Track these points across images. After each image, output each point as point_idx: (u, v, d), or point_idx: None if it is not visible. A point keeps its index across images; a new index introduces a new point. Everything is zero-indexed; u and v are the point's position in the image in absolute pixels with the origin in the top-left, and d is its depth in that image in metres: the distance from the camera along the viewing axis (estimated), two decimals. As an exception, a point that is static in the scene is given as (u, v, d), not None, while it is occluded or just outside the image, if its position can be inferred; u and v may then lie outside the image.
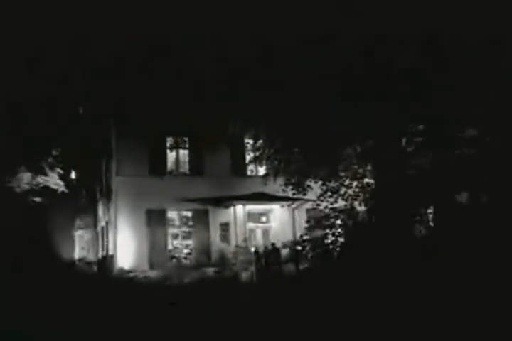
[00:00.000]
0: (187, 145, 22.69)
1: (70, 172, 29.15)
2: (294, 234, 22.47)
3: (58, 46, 20.20)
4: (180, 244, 21.61)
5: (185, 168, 22.57)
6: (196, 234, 21.71)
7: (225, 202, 21.92)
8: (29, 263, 21.62)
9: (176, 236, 21.70)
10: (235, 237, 21.62)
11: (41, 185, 25.53)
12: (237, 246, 21.28)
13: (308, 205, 23.06)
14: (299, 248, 21.66)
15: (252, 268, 20.58)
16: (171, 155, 22.43)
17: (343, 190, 14.08)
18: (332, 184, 13.91)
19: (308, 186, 14.88)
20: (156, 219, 21.11)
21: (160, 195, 21.19)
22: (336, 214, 13.23)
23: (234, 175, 22.81)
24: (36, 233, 27.12)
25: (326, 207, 13.96)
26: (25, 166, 24.90)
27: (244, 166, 23.28)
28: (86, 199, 28.81)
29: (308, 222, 15.06)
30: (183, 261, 21.47)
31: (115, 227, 20.66)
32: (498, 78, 8.77)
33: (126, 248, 20.34)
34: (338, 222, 13.56)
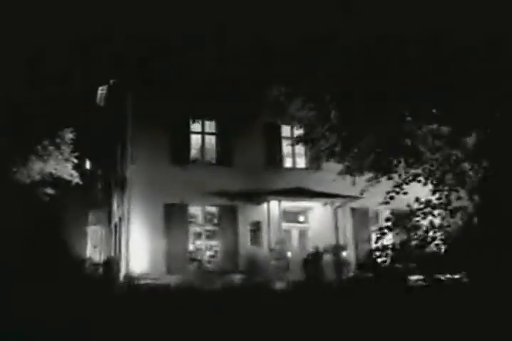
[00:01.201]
0: (214, 131, 19.52)
1: (84, 162, 26.46)
2: (337, 237, 19.11)
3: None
4: (204, 245, 18.46)
5: (211, 156, 19.41)
6: (222, 234, 18.52)
7: (257, 197, 18.70)
8: (31, 263, 18.87)
9: (198, 236, 18.54)
10: (268, 239, 18.37)
11: (54, 176, 22.79)
12: (270, 249, 18.02)
13: (355, 204, 19.75)
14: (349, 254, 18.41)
15: (288, 276, 17.27)
16: (196, 142, 19.29)
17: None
18: (417, 170, 10.66)
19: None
20: (175, 215, 18.00)
21: (181, 187, 18.08)
22: (428, 210, 9.82)
23: (268, 166, 19.59)
24: (45, 228, 24.48)
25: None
26: (33, 152, 22.21)
27: (281, 156, 20.04)
28: (101, 191, 25.94)
29: (388, 221, 11.30)
30: (206, 265, 18.32)
31: (128, 224, 17.62)
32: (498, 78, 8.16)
33: (139, 248, 17.28)
34: (436, 221, 10.15)
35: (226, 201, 18.65)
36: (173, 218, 17.93)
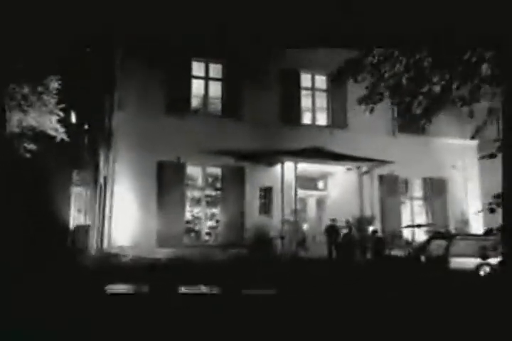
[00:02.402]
0: (220, 76, 16.15)
1: (70, 115, 23.15)
2: (362, 209, 16.04)
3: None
4: (203, 214, 15.38)
5: (216, 107, 16.13)
6: (226, 201, 15.42)
7: (268, 158, 15.53)
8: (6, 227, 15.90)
9: (197, 202, 15.46)
10: (280, 208, 15.28)
11: (36, 130, 19.54)
12: (283, 220, 14.95)
13: (384, 170, 16.61)
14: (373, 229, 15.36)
15: (304, 252, 14.29)
16: (198, 89, 15.93)
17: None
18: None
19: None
20: (170, 176, 14.86)
21: (178, 142, 14.90)
22: None
23: (283, 121, 16.35)
24: (24, 188, 21.40)
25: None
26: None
27: (299, 110, 16.77)
28: (87, 148, 22.73)
29: None
30: (205, 237, 15.30)
31: (112, 185, 14.49)
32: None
33: (125, 214, 14.20)
34: None
35: (232, 161, 15.49)
36: (167, 179, 14.80)
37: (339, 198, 16.47)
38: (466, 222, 16.84)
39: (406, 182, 17.78)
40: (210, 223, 15.49)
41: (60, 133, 19.81)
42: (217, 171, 15.71)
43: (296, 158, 15.39)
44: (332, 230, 15.38)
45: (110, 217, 14.17)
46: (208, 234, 15.31)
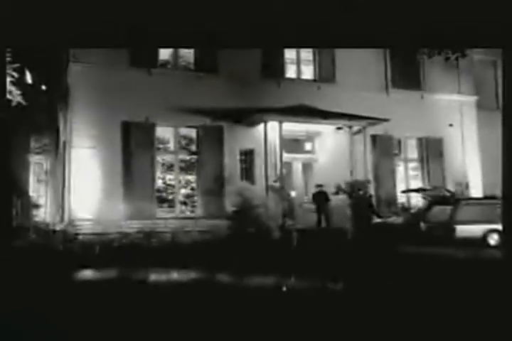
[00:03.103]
0: (192, 23, 14.04)
1: (24, 75, 20.73)
2: (352, 173, 14.44)
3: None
4: (177, 181, 13.58)
5: (187, 59, 14.10)
6: (202, 166, 13.63)
7: (250, 116, 13.71)
8: None
9: (169, 168, 13.64)
10: (264, 173, 13.58)
11: None
12: (268, 187, 13.28)
13: (377, 130, 14.98)
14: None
15: (294, 223, 12.69)
16: (166, 38, 13.82)
17: None
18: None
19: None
20: (137, 138, 12.94)
21: (146, 99, 12.95)
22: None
23: (265, 75, 14.46)
24: None
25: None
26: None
27: (282, 63, 14.87)
28: (46, 111, 20.44)
29: None
30: (180, 207, 13.55)
31: (69, 149, 12.53)
32: None
33: (86, 183, 12.31)
34: None
35: (208, 121, 13.63)
36: (134, 143, 12.88)
37: (328, 161, 14.82)
38: (466, 185, 15.42)
39: (399, 143, 16.22)
40: (185, 191, 13.72)
41: (15, 96, 17.45)
42: (191, 132, 13.85)
43: (280, 116, 13.61)
44: (320, 196, 13.82)
45: (69, 188, 12.27)
46: (183, 203, 13.56)
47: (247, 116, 13.69)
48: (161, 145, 13.50)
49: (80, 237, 11.56)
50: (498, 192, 14.91)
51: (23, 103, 16.90)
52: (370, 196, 13.79)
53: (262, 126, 13.80)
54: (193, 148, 13.82)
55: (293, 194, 13.05)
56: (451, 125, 16.37)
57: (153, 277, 8.05)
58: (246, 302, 5.95)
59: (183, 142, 13.83)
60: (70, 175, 12.31)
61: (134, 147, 12.83)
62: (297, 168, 15.08)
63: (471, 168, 16.23)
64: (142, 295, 6.44)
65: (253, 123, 13.93)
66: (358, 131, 14.79)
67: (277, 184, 13.39)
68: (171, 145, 13.65)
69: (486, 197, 13.42)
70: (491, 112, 17.12)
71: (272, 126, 13.70)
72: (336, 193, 13.94)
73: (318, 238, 12.63)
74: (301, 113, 13.99)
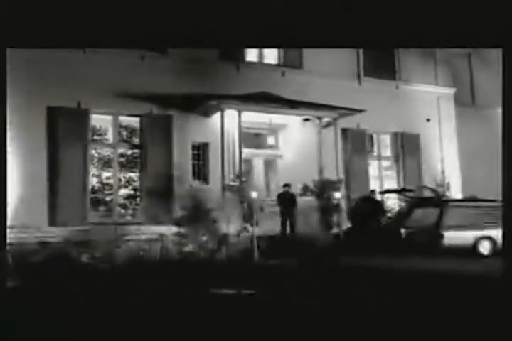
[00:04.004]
0: (136, -7, 11.93)
1: None
2: (321, 171, 12.59)
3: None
4: (116, 179, 11.38)
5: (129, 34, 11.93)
6: (147, 162, 11.49)
7: (204, 103, 11.68)
8: None
9: (106, 164, 11.44)
10: (221, 171, 11.57)
11: None
12: (225, 186, 11.27)
13: (349, 123, 13.24)
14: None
15: (253, 229, 10.69)
16: (105, 10, 11.65)
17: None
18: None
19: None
20: (67, 127, 10.70)
21: (78, 81, 10.73)
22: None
23: (222, 58, 12.47)
24: None
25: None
26: None
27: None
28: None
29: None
30: (119, 210, 11.36)
31: (-21, 139, 10.18)
32: None
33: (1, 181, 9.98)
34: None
35: (154, 108, 11.53)
36: (62, 133, 10.64)
37: (294, 158, 12.96)
38: (447, 186, 13.81)
39: (372, 138, 14.52)
40: (125, 191, 11.55)
41: None
42: (134, 122, 11.69)
43: (239, 104, 11.64)
44: (286, 198, 11.94)
45: (-23, 186, 9.91)
46: (123, 206, 11.38)
47: (201, 104, 11.66)
48: (97, 137, 11.30)
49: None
50: (479, 194, 13.56)
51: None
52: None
53: (218, 115, 11.80)
54: (136, 140, 11.66)
55: (254, 195, 11.09)
56: (428, 120, 14.80)
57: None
58: None
59: (124, 133, 11.67)
60: (-21, 172, 9.95)
61: (62, 138, 10.59)
62: (259, 165, 13.14)
63: (448, 167, 14.69)
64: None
65: (208, 113, 11.92)
66: (328, 124, 12.97)
67: (235, 183, 11.39)
68: (109, 137, 11.47)
69: (474, 200, 11.83)
70: (467, 108, 15.73)
71: (230, 116, 11.73)
72: (303, 194, 12.13)
73: (283, 246, 10.76)
74: (264, 101, 12.07)
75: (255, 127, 12.77)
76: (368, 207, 12.00)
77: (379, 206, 12.34)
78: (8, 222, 9.67)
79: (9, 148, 10.08)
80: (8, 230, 9.49)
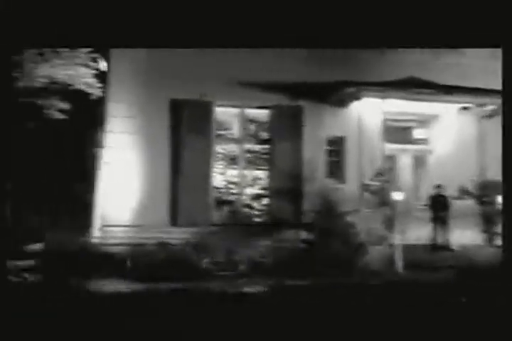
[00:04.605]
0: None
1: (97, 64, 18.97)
2: (482, 170, 10.43)
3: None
4: (242, 177, 10.42)
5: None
6: (275, 159, 10.35)
7: (339, 91, 10.24)
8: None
9: (232, 161, 10.52)
10: (358, 169, 10.05)
11: (69, 88, 15.84)
12: (363, 186, 9.74)
13: None
14: None
15: (395, 234, 8.98)
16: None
17: None
18: None
19: None
20: (190, 121, 9.98)
21: (202, 71, 9.96)
22: None
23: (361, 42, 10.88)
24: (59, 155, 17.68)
25: None
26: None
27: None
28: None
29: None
30: (245, 211, 10.35)
31: (104, 138, 9.91)
32: None
33: (122, 178, 9.58)
34: None
35: (283, 99, 10.36)
36: (185, 127, 9.94)
37: (448, 154, 10.94)
38: None
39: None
40: (252, 191, 10.51)
41: (95, 88, 15.26)
42: (262, 115, 10.64)
43: (382, 90, 10.00)
44: (438, 201, 10.05)
45: (100, 185, 9.60)
46: (249, 207, 10.36)
47: (336, 93, 10.25)
48: (221, 131, 10.43)
49: (110, 247, 8.84)
50: None
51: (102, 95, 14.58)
52: None
53: (355, 105, 10.30)
54: (264, 134, 10.60)
55: (397, 197, 9.39)
56: None
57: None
58: None
59: (251, 127, 10.66)
60: (101, 170, 9.64)
61: (185, 133, 9.89)
62: (405, 162, 11.34)
63: None
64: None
65: (344, 102, 10.46)
66: (491, 113, 10.74)
67: (376, 183, 9.78)
68: (235, 131, 10.54)
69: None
70: None
71: (370, 105, 10.16)
72: (460, 197, 10.14)
73: (436, 259, 8.98)
74: (411, 87, 10.29)
75: (400, 118, 11.02)
76: None
77: None
78: (129, 221, 9.23)
79: (131, 144, 9.67)
80: (126, 229, 9.05)
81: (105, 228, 9.18)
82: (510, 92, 5.56)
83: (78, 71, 14.36)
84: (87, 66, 14.26)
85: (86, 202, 11.40)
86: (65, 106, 13.60)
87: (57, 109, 13.87)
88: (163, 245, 8.77)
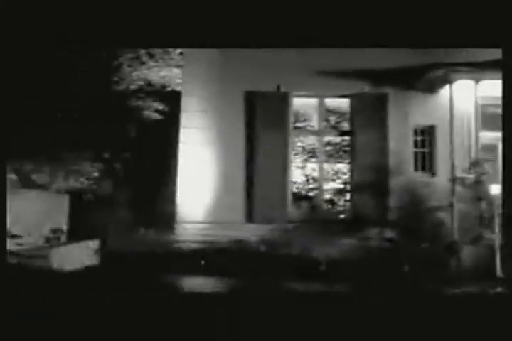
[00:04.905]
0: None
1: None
2: None
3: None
4: (321, 171, 9.86)
5: None
6: (358, 151, 9.68)
7: (427, 75, 9.37)
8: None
9: (311, 154, 10.01)
10: (450, 161, 9.14)
11: (164, 90, 16.50)
12: (455, 179, 8.84)
13: None
14: None
15: (497, 237, 8.04)
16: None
17: None
18: None
19: None
20: (266, 114, 9.58)
21: (276, 60, 9.53)
22: None
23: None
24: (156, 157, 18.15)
25: None
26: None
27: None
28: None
29: None
30: (326, 207, 9.80)
31: (177, 127, 9.78)
32: None
33: (195, 172, 9.41)
34: None
35: (367, 86, 9.66)
36: (262, 120, 9.56)
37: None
38: None
39: None
40: (333, 185, 9.93)
41: None
42: (342, 105, 10.00)
43: (476, 72, 9.01)
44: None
45: (175, 179, 9.47)
46: (330, 202, 9.79)
47: (423, 77, 9.38)
48: (299, 124, 9.94)
49: (185, 244, 8.70)
50: None
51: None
52: None
53: (446, 90, 9.37)
54: (345, 126, 9.96)
55: (495, 191, 8.39)
56: None
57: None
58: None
59: (331, 119, 10.07)
60: (177, 163, 9.51)
61: (260, 126, 9.50)
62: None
63: None
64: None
65: (433, 87, 9.56)
66: None
67: (470, 176, 8.84)
68: (314, 123, 10.00)
69: None
70: None
71: (463, 89, 9.20)
72: None
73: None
74: (511, 68, 9.17)
75: (498, 103, 9.91)
76: None
77: None
78: (203, 218, 9.02)
79: (204, 139, 9.45)
80: (201, 226, 8.83)
81: (182, 225, 9.05)
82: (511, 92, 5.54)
83: (171, 72, 14.67)
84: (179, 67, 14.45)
85: (171, 200, 11.39)
86: (161, 107, 13.81)
87: (154, 109, 14.12)
88: (238, 242, 8.48)
